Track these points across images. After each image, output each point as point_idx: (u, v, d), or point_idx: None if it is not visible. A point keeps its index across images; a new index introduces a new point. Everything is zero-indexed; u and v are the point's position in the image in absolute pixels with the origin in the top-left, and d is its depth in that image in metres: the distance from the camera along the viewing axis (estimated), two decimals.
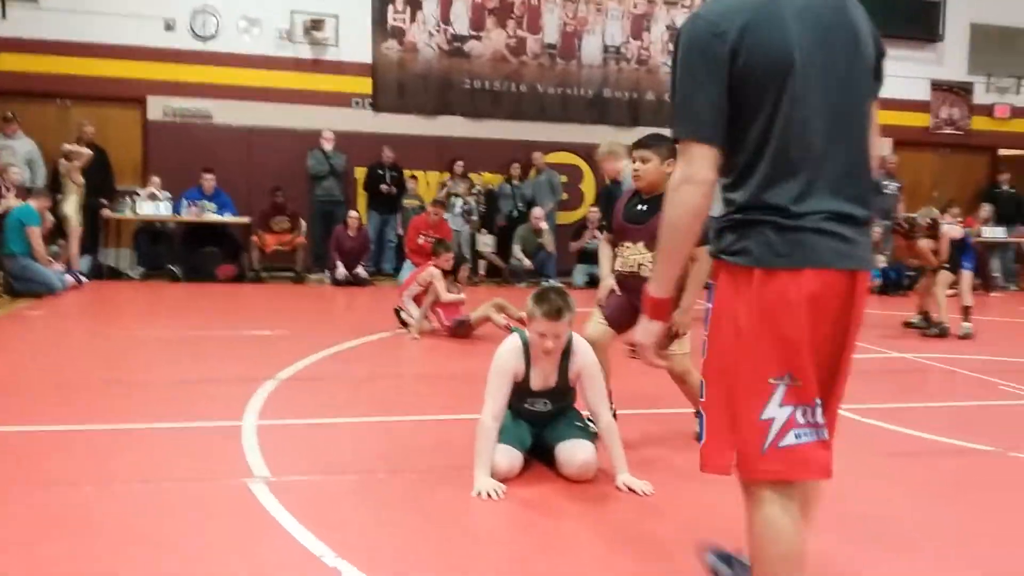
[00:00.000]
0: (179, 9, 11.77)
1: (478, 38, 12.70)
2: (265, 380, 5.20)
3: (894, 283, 11.96)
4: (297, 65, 12.17)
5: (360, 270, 11.01)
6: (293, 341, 6.70)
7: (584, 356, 3.60)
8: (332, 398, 5.06)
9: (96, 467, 3.63)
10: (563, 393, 3.70)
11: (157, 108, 11.86)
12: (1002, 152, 14.71)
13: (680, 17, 13.16)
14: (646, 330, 2.06)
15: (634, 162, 3.97)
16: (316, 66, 12.22)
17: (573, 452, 3.57)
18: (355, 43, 12.28)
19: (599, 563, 2.85)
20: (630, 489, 3.49)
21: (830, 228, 1.89)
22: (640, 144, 4.04)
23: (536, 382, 3.63)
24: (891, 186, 12.52)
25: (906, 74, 13.72)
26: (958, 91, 14.23)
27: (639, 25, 13.22)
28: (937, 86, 14.13)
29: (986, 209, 13.24)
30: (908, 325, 8.52)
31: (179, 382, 5.27)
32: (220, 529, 3.01)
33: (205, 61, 11.88)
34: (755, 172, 1.91)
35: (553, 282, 10.80)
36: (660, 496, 3.46)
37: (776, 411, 1.89)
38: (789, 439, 1.89)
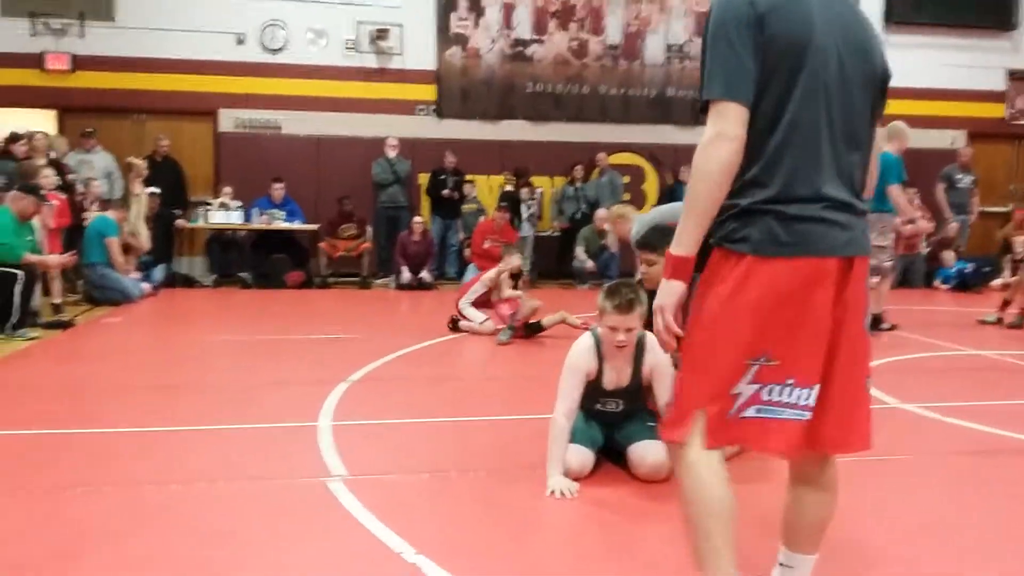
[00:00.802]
0: (249, 23, 12.04)
1: (540, 42, 12.72)
2: (337, 382, 5.29)
3: (970, 278, 11.63)
4: (363, 75, 12.35)
5: (425, 274, 11.12)
6: (362, 344, 6.80)
7: (657, 353, 3.58)
8: (403, 399, 5.13)
9: (179, 466, 3.75)
10: (635, 393, 3.69)
11: (228, 120, 12.17)
12: None
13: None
14: (667, 290, 2.02)
15: (640, 264, 3.79)
16: (381, 75, 12.40)
17: (644, 453, 3.56)
18: (419, 51, 12.43)
19: (671, 563, 2.83)
20: None
21: (831, 217, 1.96)
22: (644, 245, 3.93)
23: (609, 381, 3.63)
24: (965, 179, 12.17)
25: (980, 64, 13.36)
26: None
27: (702, 22, 13.08)
28: (1013, 75, 13.69)
29: None
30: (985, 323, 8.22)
31: (254, 385, 5.40)
32: (301, 526, 3.07)
33: (274, 73, 12.14)
34: (764, 151, 1.95)
35: None
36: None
37: (746, 387, 1.96)
38: (749, 412, 1.97)
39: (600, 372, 3.61)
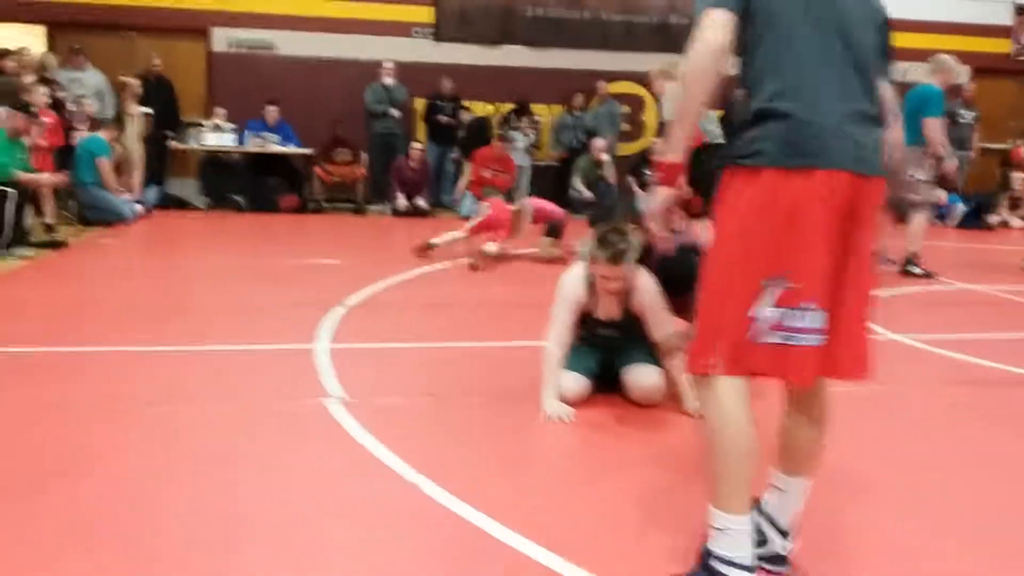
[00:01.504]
0: None
1: None
2: (333, 306, 5.28)
3: (973, 214, 11.67)
4: None
5: (421, 201, 11.04)
6: (358, 269, 6.78)
7: (645, 292, 3.57)
8: (401, 324, 5.14)
9: (175, 387, 3.75)
10: (629, 324, 3.68)
11: (221, 39, 11.92)
12: None
13: None
14: (658, 197, 2.13)
15: (609, 279, 3.48)
16: None
17: (639, 376, 3.59)
18: None
19: (662, 483, 2.87)
20: (697, 414, 3.49)
21: (847, 130, 1.95)
22: (617, 259, 3.48)
23: (602, 312, 3.64)
24: (967, 115, 12.06)
25: None
26: None
27: None
28: (1020, 11, 13.46)
29: None
30: None
31: (249, 307, 5.39)
32: (299, 446, 3.09)
33: None
34: (778, 67, 1.98)
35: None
36: None
37: (765, 311, 1.92)
38: (772, 338, 1.93)
39: (592, 304, 3.61)
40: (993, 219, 11.87)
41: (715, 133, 5.72)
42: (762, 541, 2.22)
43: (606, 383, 3.74)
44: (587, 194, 11.19)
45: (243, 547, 2.33)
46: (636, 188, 11.42)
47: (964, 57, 13.62)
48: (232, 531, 2.42)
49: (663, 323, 3.59)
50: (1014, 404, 3.97)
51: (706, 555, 2.06)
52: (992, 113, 13.05)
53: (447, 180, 11.93)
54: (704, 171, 6.18)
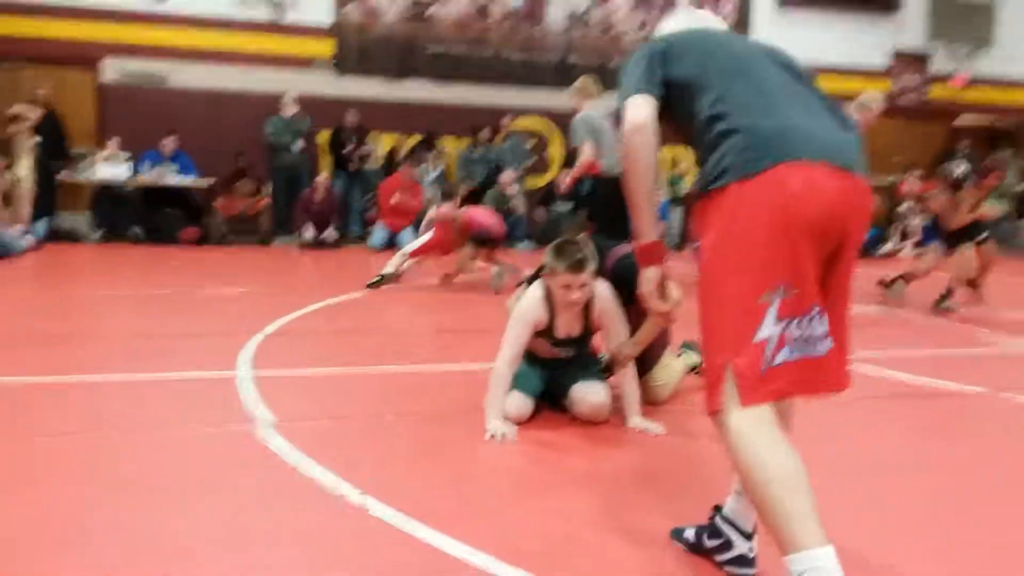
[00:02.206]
0: None
1: (441, 2, 12.51)
2: (251, 334, 5.08)
3: (869, 245, 12.25)
4: (256, 27, 11.89)
5: (329, 232, 10.85)
6: (272, 298, 6.57)
7: (605, 300, 3.56)
8: (324, 350, 4.98)
9: (92, 416, 3.51)
10: (586, 339, 3.68)
11: (112, 70, 11.52)
12: (958, 123, 14.97)
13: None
14: (645, 279, 2.18)
15: (572, 288, 3.41)
16: (275, 28, 11.95)
17: (586, 392, 3.56)
18: (315, 5, 12.05)
19: (611, 498, 2.84)
20: (642, 431, 3.49)
21: (808, 123, 1.91)
22: (580, 266, 3.47)
23: (560, 331, 3.59)
24: None
25: (866, 43, 13.89)
26: (917, 59, 14.43)
27: None
28: (898, 55, 14.31)
29: None
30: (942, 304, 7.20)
31: (161, 335, 5.13)
32: (231, 472, 2.92)
33: (160, 22, 11.55)
34: (725, 106, 1.96)
35: (527, 245, 10.78)
36: (669, 438, 3.47)
37: (770, 328, 1.80)
38: (785, 355, 1.81)
39: (551, 322, 3.56)
40: (885, 248, 12.54)
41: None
42: (726, 545, 2.20)
43: (550, 400, 3.71)
44: None
45: None
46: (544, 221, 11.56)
47: (849, 98, 14.45)
48: (168, 561, 2.24)
49: (620, 333, 3.59)
50: (936, 413, 4.12)
51: None
52: (877, 151, 13.74)
53: (354, 212, 11.78)
54: (600, 201, 6.23)
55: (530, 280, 3.90)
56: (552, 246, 3.47)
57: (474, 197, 11.72)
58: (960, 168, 7.26)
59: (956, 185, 7.09)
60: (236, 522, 2.50)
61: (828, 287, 1.92)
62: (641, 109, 2.05)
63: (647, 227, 2.10)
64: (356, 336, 5.48)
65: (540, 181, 12.65)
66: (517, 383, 3.55)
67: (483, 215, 7.61)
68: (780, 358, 1.81)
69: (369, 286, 7.18)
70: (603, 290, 3.57)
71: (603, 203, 6.04)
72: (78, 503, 2.59)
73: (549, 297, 3.51)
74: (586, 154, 6.31)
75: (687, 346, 4.37)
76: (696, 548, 2.30)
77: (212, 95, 11.66)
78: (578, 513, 2.67)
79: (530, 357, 3.65)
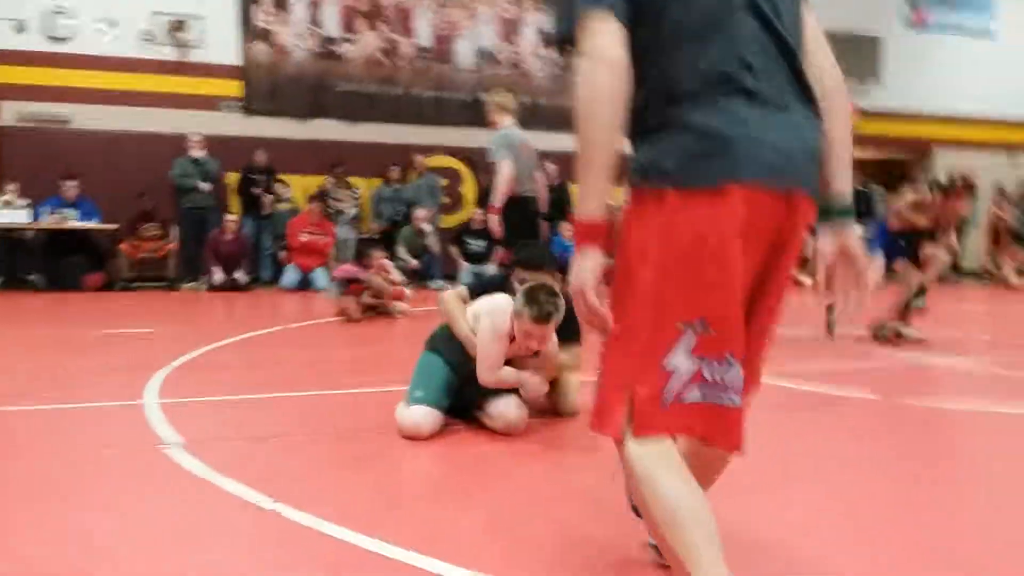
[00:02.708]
0: (30, 10, 11.16)
1: (350, 41, 12.60)
2: (158, 368, 4.98)
3: None
4: (161, 67, 11.73)
5: (239, 275, 10.68)
6: (179, 337, 6.44)
7: (554, 351, 3.70)
8: (232, 379, 4.91)
9: None
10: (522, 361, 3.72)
11: (11, 113, 11.20)
12: (857, 155, 15.63)
13: (549, 22, 13.47)
14: (581, 266, 1.63)
15: (533, 336, 3.49)
16: (181, 68, 11.83)
17: (504, 410, 3.59)
18: (222, 45, 11.96)
19: (528, 495, 2.88)
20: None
21: (764, 127, 1.58)
22: (538, 266, 3.92)
23: (514, 351, 3.64)
24: None
25: None
26: None
27: (510, 29, 13.43)
28: None
29: None
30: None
31: (65, 371, 4.99)
32: (142, 489, 2.87)
33: (61, 64, 11.31)
34: (665, 62, 1.61)
35: (442, 284, 10.81)
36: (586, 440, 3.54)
37: (682, 360, 1.59)
38: (694, 394, 1.60)
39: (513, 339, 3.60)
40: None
41: None
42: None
43: (459, 411, 3.73)
44: (413, 263, 11.23)
45: None
46: (459, 259, 11.62)
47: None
48: (90, 558, 2.20)
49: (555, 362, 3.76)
50: (834, 418, 4.30)
51: None
52: None
53: (265, 254, 11.63)
54: (512, 224, 6.23)
55: (479, 285, 4.00)
56: (526, 289, 3.46)
57: (386, 236, 11.76)
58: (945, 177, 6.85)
59: (944, 190, 6.57)
60: (151, 526, 2.49)
61: (753, 320, 1.70)
62: (609, 43, 1.57)
63: (594, 198, 1.61)
64: (265, 366, 5.41)
65: (453, 220, 12.72)
66: (425, 396, 3.57)
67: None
68: (688, 397, 1.60)
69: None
70: (554, 343, 3.64)
71: (514, 225, 6.08)
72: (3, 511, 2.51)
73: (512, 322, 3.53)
74: (505, 172, 5.95)
75: None
76: None
77: (116, 137, 11.42)
78: (498, 510, 2.70)
79: (452, 359, 3.66)
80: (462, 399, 3.71)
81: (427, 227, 11.60)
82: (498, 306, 3.57)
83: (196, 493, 2.81)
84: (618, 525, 2.47)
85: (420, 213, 11.61)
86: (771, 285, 1.70)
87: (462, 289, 3.94)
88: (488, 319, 3.54)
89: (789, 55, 1.66)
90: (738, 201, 1.56)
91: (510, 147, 6.00)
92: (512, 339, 3.53)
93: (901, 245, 6.64)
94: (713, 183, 1.56)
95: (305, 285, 10.70)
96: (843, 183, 1.74)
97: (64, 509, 2.66)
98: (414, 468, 3.25)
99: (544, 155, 12.50)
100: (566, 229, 11.82)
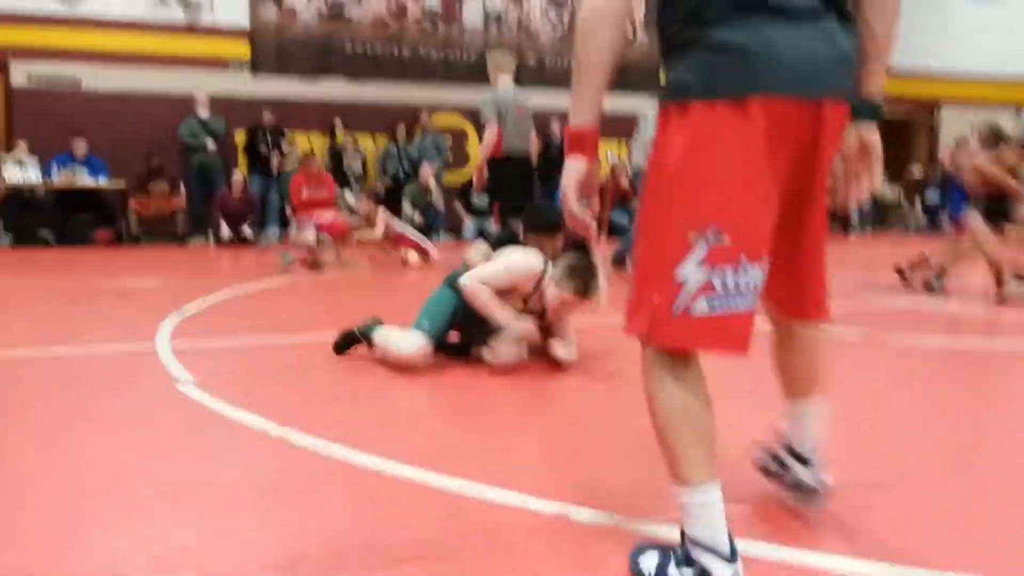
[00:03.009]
0: None
1: (358, 2, 12.61)
2: (169, 314, 5.14)
3: None
4: (171, 28, 11.81)
5: (245, 229, 10.83)
6: (189, 287, 6.58)
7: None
8: (244, 324, 5.06)
9: (11, 385, 3.55)
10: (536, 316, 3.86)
11: (22, 74, 11.31)
12: None
13: None
14: (568, 170, 1.76)
15: (566, 307, 3.75)
16: (191, 30, 11.90)
17: (498, 345, 3.75)
18: (231, 6, 12.03)
19: (528, 417, 3.03)
20: (557, 357, 3.83)
21: (791, 39, 1.61)
22: (554, 229, 4.09)
23: (534, 305, 3.81)
24: None
25: None
26: None
27: None
28: None
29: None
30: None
31: (76, 319, 5.14)
32: (160, 421, 3.02)
33: (72, 25, 11.39)
34: (698, 14, 1.65)
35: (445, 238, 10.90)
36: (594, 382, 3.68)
37: (692, 271, 1.64)
38: (700, 306, 1.64)
39: (531, 294, 3.76)
40: None
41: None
42: (781, 468, 2.16)
43: (463, 350, 3.91)
44: (418, 218, 11.36)
45: (133, 508, 2.28)
46: (464, 213, 11.75)
47: None
48: (114, 494, 2.35)
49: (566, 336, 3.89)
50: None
51: (683, 538, 1.74)
52: None
53: (273, 211, 11.77)
54: (501, 182, 6.38)
55: (498, 241, 4.12)
56: (572, 264, 3.63)
57: (393, 193, 11.88)
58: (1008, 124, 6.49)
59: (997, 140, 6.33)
60: (167, 453, 2.64)
61: (798, 225, 1.80)
62: None
63: (585, 111, 1.72)
64: (276, 312, 5.57)
65: (459, 176, 12.83)
66: (429, 327, 3.72)
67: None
68: (696, 309, 1.65)
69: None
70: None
71: (503, 183, 6.34)
72: (24, 444, 2.67)
73: (541, 279, 3.72)
74: (488, 134, 6.27)
75: None
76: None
77: (126, 97, 11.53)
78: (492, 430, 2.85)
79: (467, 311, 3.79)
80: (469, 337, 3.86)
81: (432, 183, 11.71)
82: (523, 258, 3.75)
83: (209, 423, 2.96)
84: (600, 440, 2.61)
85: (426, 169, 11.72)
86: (811, 194, 1.76)
87: (481, 246, 4.06)
88: (508, 261, 3.74)
89: None
90: (759, 112, 1.60)
91: (499, 107, 6.25)
92: (518, 291, 3.73)
93: (978, 205, 6.32)
94: (733, 95, 1.60)
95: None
96: (875, 84, 1.76)
97: (86, 438, 2.82)
98: (414, 396, 3.40)
99: (551, 114, 12.73)
100: None
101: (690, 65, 1.65)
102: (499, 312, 3.69)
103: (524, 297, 3.78)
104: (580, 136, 1.74)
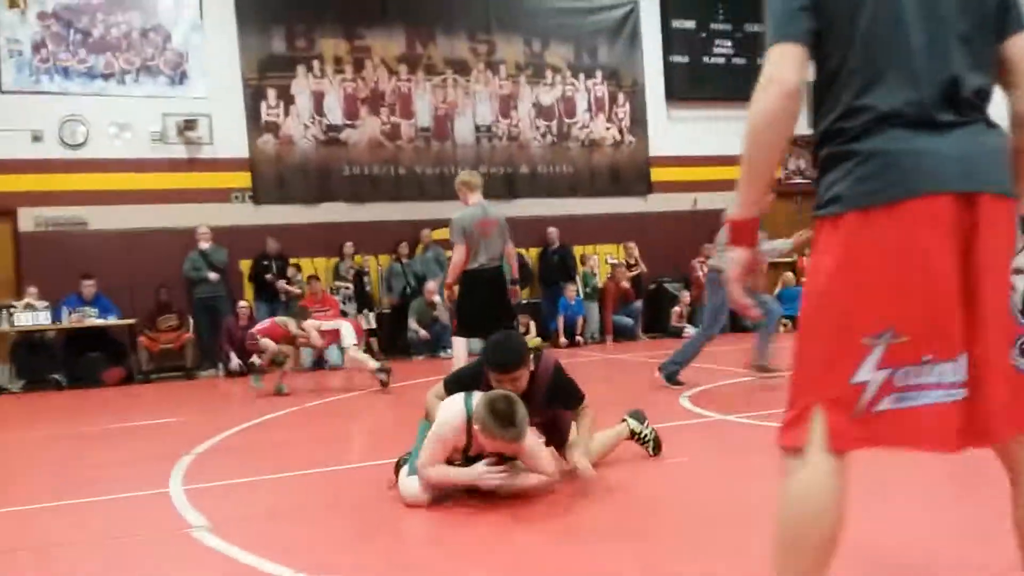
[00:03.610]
0: (46, 120, 11.61)
1: (353, 127, 13.02)
2: (182, 456, 5.16)
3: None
4: (172, 166, 12.15)
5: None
6: (200, 424, 6.63)
7: (531, 444, 3.66)
8: (254, 461, 5.09)
9: (37, 536, 3.58)
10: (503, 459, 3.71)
11: (28, 219, 11.61)
12: None
13: (543, 94, 13.91)
14: (732, 260, 1.86)
15: (498, 447, 3.58)
16: (192, 165, 12.25)
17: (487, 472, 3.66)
18: (230, 139, 12.38)
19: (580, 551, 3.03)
20: (575, 467, 3.75)
21: (939, 144, 1.67)
22: (506, 368, 3.74)
23: (474, 451, 3.67)
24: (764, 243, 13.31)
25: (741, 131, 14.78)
26: (801, 143, 15.44)
27: (507, 104, 13.86)
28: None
29: None
30: None
31: (92, 466, 5.17)
32: (178, 570, 3.03)
33: (76, 169, 11.72)
34: (838, 89, 1.74)
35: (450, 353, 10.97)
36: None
37: (871, 374, 1.65)
38: (886, 403, 1.65)
39: (469, 443, 3.66)
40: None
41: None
42: None
43: None
44: (423, 333, 11.47)
45: None
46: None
47: (730, 186, 15.26)
48: None
49: (543, 459, 3.74)
50: None
51: None
52: (772, 230, 14.48)
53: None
54: (468, 296, 6.55)
55: (456, 381, 3.96)
56: (485, 400, 3.50)
57: (398, 310, 12.02)
58: None
59: None
60: None
61: (980, 325, 1.70)
62: (785, 67, 1.71)
63: (751, 203, 1.81)
64: (285, 447, 5.59)
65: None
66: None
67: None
68: (880, 406, 1.66)
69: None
70: (532, 442, 3.68)
71: (467, 298, 6.65)
72: None
73: (470, 423, 3.60)
74: (456, 255, 6.66)
75: (632, 415, 4.45)
76: None
77: (131, 234, 11.78)
78: (495, 565, 2.85)
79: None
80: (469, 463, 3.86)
81: (436, 298, 11.85)
82: (447, 411, 3.67)
83: (225, 571, 2.97)
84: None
85: (430, 285, 11.88)
86: (981, 286, 1.69)
87: (439, 388, 3.96)
88: (435, 424, 3.66)
89: (957, 80, 1.71)
90: (913, 211, 1.64)
91: (464, 229, 6.62)
92: (466, 443, 3.64)
93: None
94: (885, 200, 1.65)
95: (320, 364, 10.92)
96: None
97: None
98: (419, 533, 3.42)
99: (544, 221, 12.99)
100: (570, 291, 12.20)
101: (843, 180, 1.71)
102: (457, 477, 3.64)
103: (463, 449, 3.67)
104: (742, 227, 1.84)
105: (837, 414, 1.67)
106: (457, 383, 3.90)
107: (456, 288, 6.70)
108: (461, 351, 6.79)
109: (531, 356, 3.81)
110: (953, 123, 1.69)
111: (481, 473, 3.58)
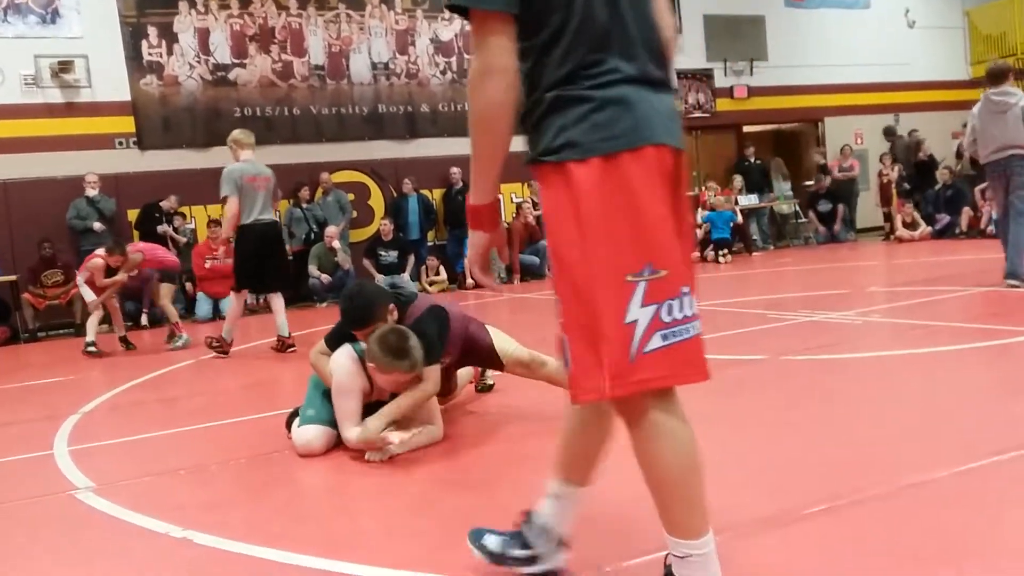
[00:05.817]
0: None
1: (242, 65, 12.49)
2: (68, 416, 4.93)
3: None
4: (49, 111, 11.47)
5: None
6: (89, 382, 6.38)
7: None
8: (144, 419, 4.89)
9: None
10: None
11: None
12: (746, 129, 16.21)
13: (443, 30, 13.59)
14: (471, 244, 1.89)
15: (395, 383, 3.50)
16: (70, 110, 11.58)
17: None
18: (110, 82, 11.73)
19: (434, 495, 2.99)
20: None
21: (650, 101, 1.72)
22: (355, 326, 3.64)
23: (376, 395, 3.60)
24: None
25: None
26: (700, 77, 15.57)
27: (404, 40, 13.50)
28: (681, 75, 15.39)
29: (738, 180, 14.60)
30: None
31: None
32: (57, 536, 2.89)
33: None
34: (557, 47, 1.71)
35: None
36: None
37: (638, 312, 1.66)
38: (655, 342, 1.67)
39: (372, 386, 3.57)
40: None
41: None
42: (532, 559, 2.09)
43: None
44: (325, 278, 11.23)
45: None
46: (373, 270, 11.68)
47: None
48: None
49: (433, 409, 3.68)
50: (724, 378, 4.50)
51: None
52: None
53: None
54: (241, 249, 6.59)
55: (336, 335, 3.81)
56: (376, 336, 3.41)
57: (300, 257, 11.72)
58: None
59: None
60: (65, 570, 2.50)
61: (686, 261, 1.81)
62: (501, 52, 1.68)
63: (486, 189, 1.80)
64: (179, 401, 5.41)
65: (365, 233, 12.74)
66: (315, 416, 3.64)
67: (157, 249, 8.81)
68: (650, 346, 1.67)
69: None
70: (431, 373, 3.57)
71: (242, 250, 6.99)
72: None
73: (363, 363, 3.51)
74: (230, 208, 6.88)
75: None
76: (498, 559, 2.13)
77: (8, 185, 11.11)
78: (387, 510, 2.81)
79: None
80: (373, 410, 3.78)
81: (337, 244, 11.60)
82: (339, 364, 3.57)
83: (109, 532, 2.85)
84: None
85: (330, 230, 11.61)
86: (682, 220, 1.77)
87: (321, 345, 3.84)
88: (333, 384, 3.56)
89: (653, 40, 1.79)
90: (652, 156, 1.69)
91: (235, 183, 6.91)
92: (369, 386, 3.56)
93: None
94: (631, 147, 1.68)
95: (218, 313, 10.60)
96: None
97: None
98: (313, 483, 3.34)
99: (446, 161, 12.81)
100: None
101: (584, 126, 1.69)
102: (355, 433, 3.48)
103: (366, 394, 3.58)
104: (479, 212, 1.84)
105: (616, 359, 1.67)
106: (338, 337, 3.76)
107: (232, 240, 7.04)
108: (237, 305, 7.11)
109: (389, 306, 3.66)
110: (662, 81, 1.79)
111: (390, 433, 3.41)
